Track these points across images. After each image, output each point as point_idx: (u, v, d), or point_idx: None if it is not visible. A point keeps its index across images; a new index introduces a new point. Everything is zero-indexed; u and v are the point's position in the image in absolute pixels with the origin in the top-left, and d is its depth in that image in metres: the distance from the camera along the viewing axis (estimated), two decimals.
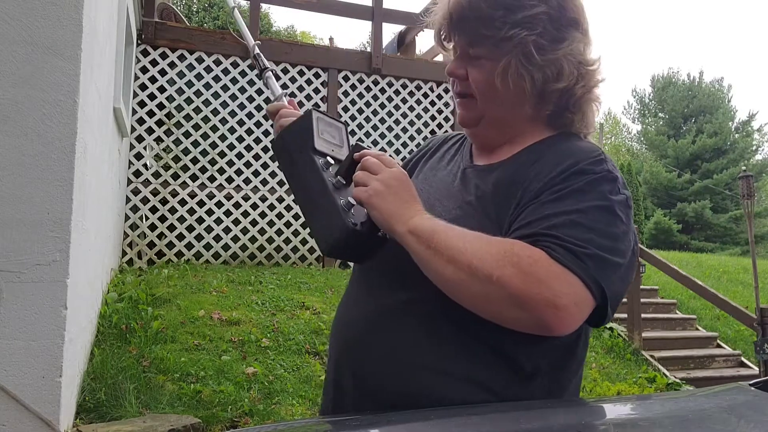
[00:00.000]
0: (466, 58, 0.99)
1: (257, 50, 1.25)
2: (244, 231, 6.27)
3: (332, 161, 0.98)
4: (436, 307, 0.90)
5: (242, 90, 6.44)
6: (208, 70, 6.33)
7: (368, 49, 8.27)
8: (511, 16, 0.93)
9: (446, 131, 7.27)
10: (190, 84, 6.27)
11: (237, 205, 6.29)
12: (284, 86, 6.62)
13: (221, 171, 6.32)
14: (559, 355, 0.93)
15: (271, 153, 6.36)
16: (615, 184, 0.89)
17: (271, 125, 1.16)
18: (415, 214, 0.91)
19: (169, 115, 6.21)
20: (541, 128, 1.00)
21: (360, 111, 6.96)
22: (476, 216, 0.93)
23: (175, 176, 6.14)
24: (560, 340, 0.92)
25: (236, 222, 6.25)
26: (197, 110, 6.27)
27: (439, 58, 7.62)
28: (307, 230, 6.46)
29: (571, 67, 0.95)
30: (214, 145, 6.30)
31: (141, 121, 6.05)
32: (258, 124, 6.46)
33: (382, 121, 7.04)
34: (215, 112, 6.33)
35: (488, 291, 0.82)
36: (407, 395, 0.90)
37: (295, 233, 6.49)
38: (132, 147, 5.96)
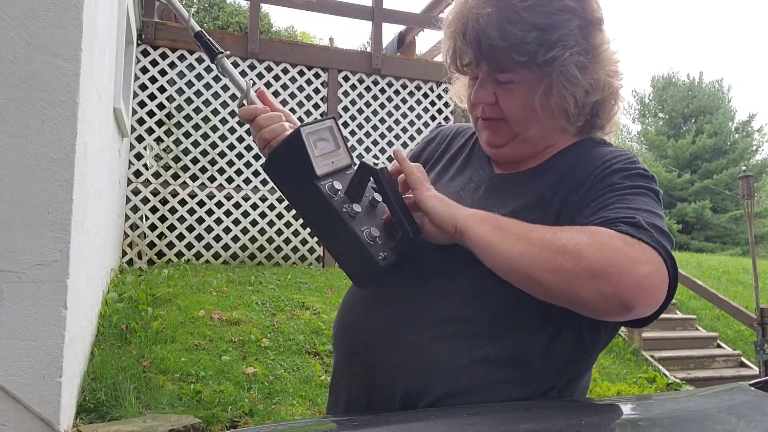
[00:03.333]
0: (494, 83, 0.93)
1: (197, 26, 1.02)
2: (245, 231, 6.28)
3: (338, 181, 0.90)
4: (456, 319, 0.89)
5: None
6: (209, 70, 6.33)
7: (368, 49, 8.27)
8: (545, 36, 0.88)
9: None
10: (190, 84, 6.28)
11: (237, 205, 6.30)
12: (284, 86, 6.63)
13: (221, 171, 6.32)
14: (575, 372, 0.93)
15: None
16: (650, 180, 0.90)
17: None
18: (467, 207, 0.89)
19: (169, 116, 6.21)
20: (569, 136, 0.99)
21: (360, 111, 6.97)
22: None
23: (175, 176, 6.14)
24: (581, 365, 0.92)
25: (236, 222, 6.26)
26: (197, 110, 6.27)
27: (439, 58, 7.62)
28: (308, 230, 6.46)
29: (605, 76, 0.93)
30: (214, 145, 6.31)
31: (141, 122, 6.05)
32: None
33: (382, 121, 7.05)
34: (215, 112, 6.34)
35: (564, 263, 0.77)
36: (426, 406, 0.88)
37: (295, 233, 6.49)
38: (132, 147, 5.96)
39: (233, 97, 6.38)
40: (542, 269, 0.79)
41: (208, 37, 1.02)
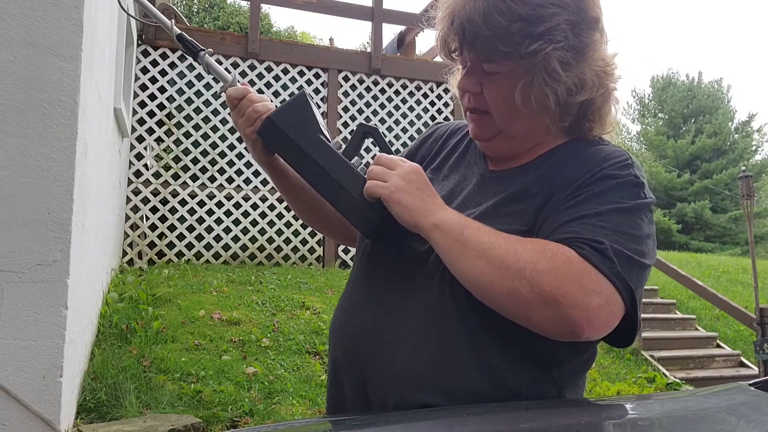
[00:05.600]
0: (480, 72, 0.92)
1: (177, 30, 1.10)
2: (245, 231, 6.28)
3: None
4: (447, 319, 0.89)
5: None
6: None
7: (368, 50, 8.27)
8: (530, 28, 0.86)
9: None
10: (190, 84, 6.28)
11: (237, 205, 6.30)
12: (284, 87, 6.63)
13: (222, 171, 6.32)
14: (570, 375, 0.92)
15: None
16: (639, 189, 0.87)
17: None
18: (441, 208, 0.89)
19: (169, 116, 6.22)
20: (558, 136, 0.97)
21: (360, 111, 6.97)
22: (494, 221, 0.90)
23: (176, 176, 6.14)
24: (573, 361, 0.91)
25: (236, 222, 6.26)
26: (198, 110, 6.27)
27: (440, 58, 7.62)
28: (308, 230, 6.46)
29: (593, 76, 0.91)
30: (214, 146, 6.31)
31: (141, 122, 6.05)
32: None
33: (382, 121, 7.05)
34: (216, 112, 6.34)
35: (518, 288, 0.79)
36: (409, 408, 0.88)
37: (296, 233, 6.49)
38: (132, 147, 5.96)
39: None
40: (498, 291, 0.81)
41: (189, 37, 1.11)
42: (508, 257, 0.80)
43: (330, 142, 0.97)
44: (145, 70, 6.09)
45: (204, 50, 1.10)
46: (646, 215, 0.87)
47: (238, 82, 1.08)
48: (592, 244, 0.80)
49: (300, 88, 6.70)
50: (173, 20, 1.12)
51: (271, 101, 1.06)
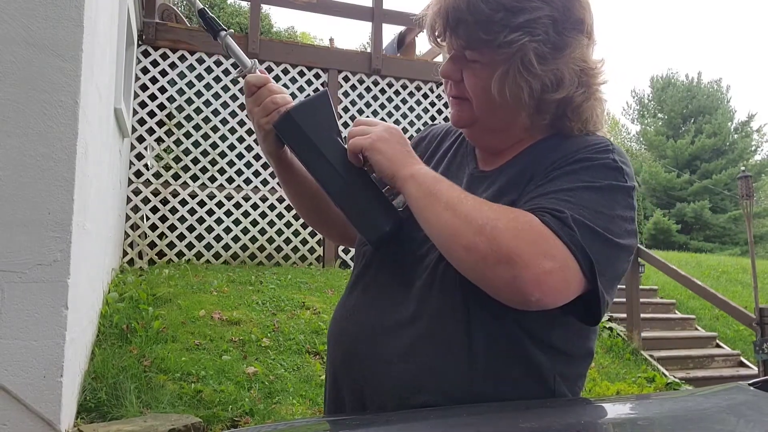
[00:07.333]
0: (463, 60, 0.93)
1: (200, 4, 1.07)
2: (245, 231, 6.28)
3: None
4: (444, 320, 0.89)
5: (243, 90, 6.43)
6: (209, 70, 6.33)
7: (368, 50, 8.27)
8: (511, 18, 0.87)
9: None
10: (191, 84, 6.28)
11: (238, 205, 6.30)
12: (285, 87, 6.64)
13: (222, 171, 6.32)
14: (570, 370, 0.92)
15: None
16: (616, 172, 0.87)
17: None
18: (418, 162, 0.92)
19: (170, 116, 6.22)
20: (540, 133, 0.97)
21: (360, 112, 6.97)
22: None
23: (176, 176, 6.14)
24: (573, 357, 0.92)
25: (237, 222, 6.26)
26: (198, 111, 6.27)
27: (439, 58, 7.62)
28: (308, 230, 6.46)
29: (573, 75, 0.91)
30: (214, 146, 6.31)
31: (142, 122, 6.05)
32: None
33: (383, 121, 7.04)
34: (216, 112, 6.34)
35: (477, 242, 0.79)
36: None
37: (296, 233, 6.49)
38: (133, 147, 5.96)
39: (234, 97, 6.37)
40: (458, 244, 0.81)
41: (210, 14, 1.06)
42: (473, 213, 0.81)
43: (345, 144, 0.97)
44: (145, 71, 6.09)
45: (225, 30, 1.06)
46: (622, 197, 0.86)
47: (257, 69, 1.06)
48: (553, 212, 0.81)
49: (300, 88, 6.71)
50: (198, 3, 1.07)
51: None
